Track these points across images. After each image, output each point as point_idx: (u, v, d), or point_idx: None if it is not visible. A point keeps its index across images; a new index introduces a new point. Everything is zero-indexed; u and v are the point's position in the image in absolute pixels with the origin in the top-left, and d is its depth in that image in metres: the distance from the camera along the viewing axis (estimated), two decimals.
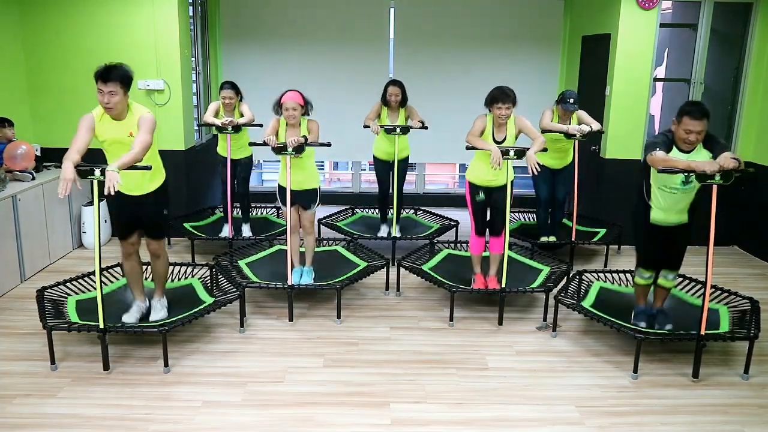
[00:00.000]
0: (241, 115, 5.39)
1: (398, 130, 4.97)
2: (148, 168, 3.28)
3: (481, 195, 4.22)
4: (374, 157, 5.56)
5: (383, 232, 5.57)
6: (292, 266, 4.23)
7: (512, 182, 4.09)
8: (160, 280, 3.85)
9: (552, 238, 5.36)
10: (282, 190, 4.23)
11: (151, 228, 3.70)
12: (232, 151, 5.25)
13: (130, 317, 3.68)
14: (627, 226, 5.30)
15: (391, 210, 5.47)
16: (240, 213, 5.66)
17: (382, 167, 5.53)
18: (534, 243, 5.23)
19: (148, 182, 3.54)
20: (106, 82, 3.24)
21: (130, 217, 3.62)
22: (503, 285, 4.08)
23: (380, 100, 5.33)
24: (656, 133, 6.48)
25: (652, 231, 3.67)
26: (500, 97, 4.00)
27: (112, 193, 3.03)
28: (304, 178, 4.24)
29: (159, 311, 3.77)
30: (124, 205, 3.55)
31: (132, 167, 3.19)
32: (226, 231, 5.37)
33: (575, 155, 5.16)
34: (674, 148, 3.42)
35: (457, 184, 10.66)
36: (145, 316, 3.78)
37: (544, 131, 5.02)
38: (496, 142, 4.08)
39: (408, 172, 5.83)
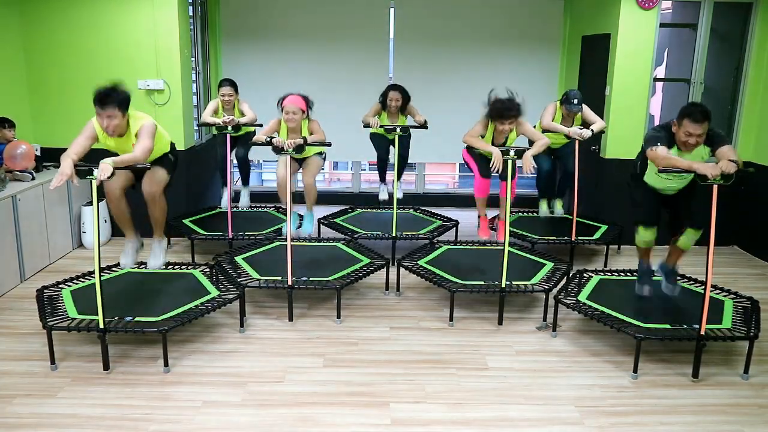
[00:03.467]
0: (242, 115, 5.38)
1: (398, 129, 4.97)
2: (148, 168, 3.29)
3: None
4: (372, 134, 5.50)
5: (383, 193, 5.51)
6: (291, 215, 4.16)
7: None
8: (158, 222, 3.75)
9: (559, 204, 5.25)
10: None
11: (153, 170, 3.56)
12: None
13: (126, 258, 3.68)
14: (627, 225, 5.31)
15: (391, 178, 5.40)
16: (240, 181, 5.72)
17: (380, 138, 5.48)
18: (535, 224, 5.08)
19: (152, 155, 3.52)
20: (104, 107, 3.24)
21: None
22: (503, 282, 4.06)
23: (379, 103, 5.32)
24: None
25: (650, 190, 3.66)
26: (504, 114, 3.83)
27: (102, 179, 3.03)
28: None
29: (158, 256, 3.72)
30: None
31: (130, 166, 3.21)
32: (226, 199, 5.35)
33: (575, 155, 5.15)
34: (674, 146, 3.42)
35: (457, 184, 10.66)
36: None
37: (545, 130, 5.01)
38: (496, 147, 4.03)
39: (407, 172, 5.78)
